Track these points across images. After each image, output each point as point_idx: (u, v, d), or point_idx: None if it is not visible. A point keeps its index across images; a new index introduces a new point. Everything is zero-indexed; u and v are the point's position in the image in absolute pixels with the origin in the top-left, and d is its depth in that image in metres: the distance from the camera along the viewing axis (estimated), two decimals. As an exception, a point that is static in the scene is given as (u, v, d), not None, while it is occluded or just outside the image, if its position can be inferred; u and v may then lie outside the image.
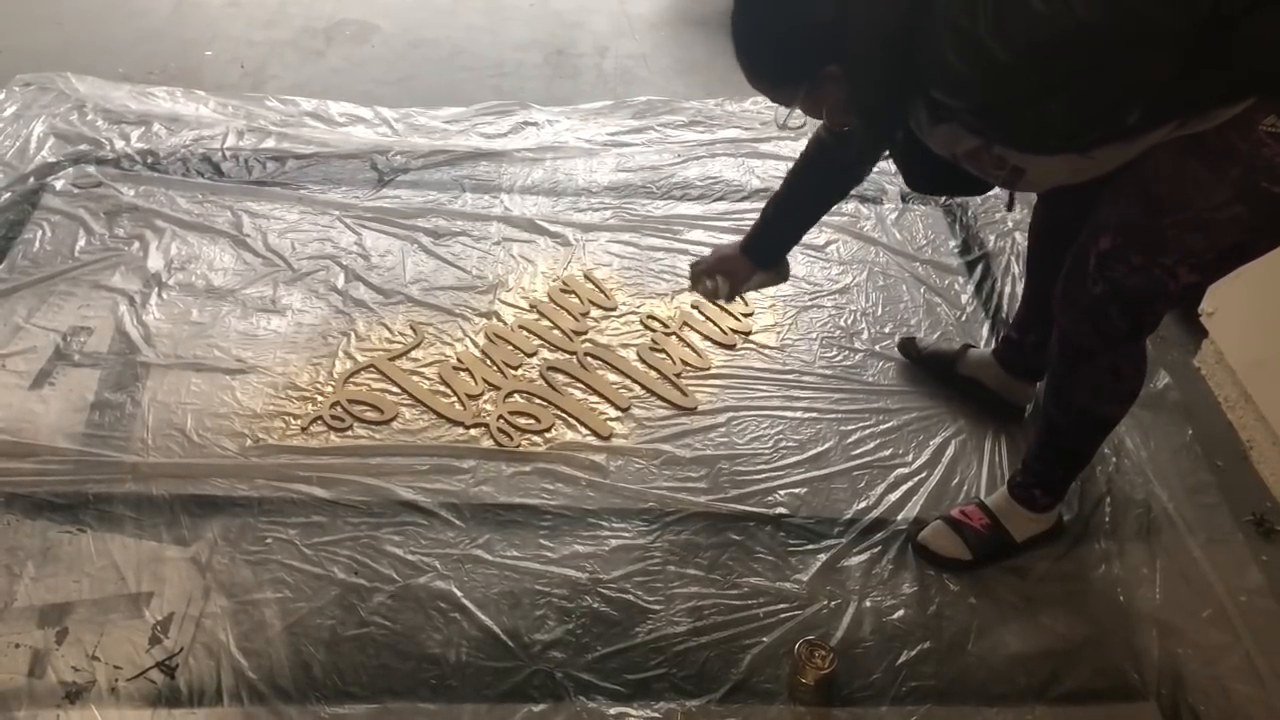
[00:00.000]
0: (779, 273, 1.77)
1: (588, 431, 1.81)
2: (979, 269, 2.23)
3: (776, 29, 1.23)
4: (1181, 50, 1.10)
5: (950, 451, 1.80)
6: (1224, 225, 1.22)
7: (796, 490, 1.72)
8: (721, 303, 1.83)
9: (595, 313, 2.07)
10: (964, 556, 1.60)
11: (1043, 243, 1.67)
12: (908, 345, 1.98)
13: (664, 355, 1.97)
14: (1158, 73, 1.12)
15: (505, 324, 2.03)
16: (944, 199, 2.42)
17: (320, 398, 1.82)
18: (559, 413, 1.84)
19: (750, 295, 2.12)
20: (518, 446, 1.77)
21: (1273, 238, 1.29)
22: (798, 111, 1.30)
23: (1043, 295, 1.62)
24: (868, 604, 1.54)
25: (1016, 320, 1.82)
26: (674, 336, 2.02)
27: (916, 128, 1.29)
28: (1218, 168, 1.20)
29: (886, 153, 1.48)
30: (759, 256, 1.72)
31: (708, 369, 1.95)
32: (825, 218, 2.31)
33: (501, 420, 1.81)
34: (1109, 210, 1.31)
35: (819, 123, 1.54)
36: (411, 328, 1.99)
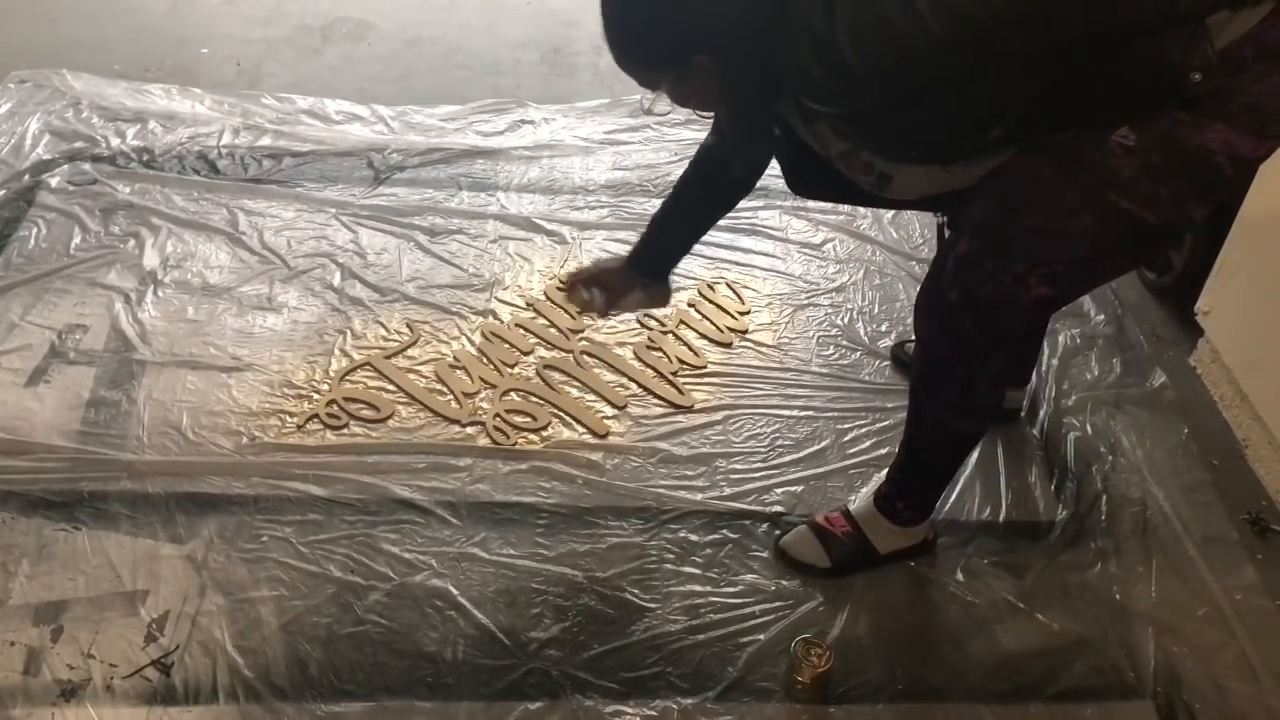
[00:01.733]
0: (660, 294, 1.71)
1: (584, 430, 1.80)
2: (975, 268, 2.23)
3: (646, 12, 1.19)
4: (1047, 75, 1.09)
5: (946, 450, 1.80)
6: (1074, 236, 1.19)
7: (793, 488, 1.72)
8: (596, 317, 1.75)
9: (592, 311, 2.07)
10: (822, 564, 1.56)
11: None
12: (899, 351, 1.98)
13: (661, 354, 1.97)
14: (1021, 95, 1.10)
15: (502, 322, 2.02)
16: (832, 205, 2.33)
17: (316, 396, 1.82)
18: (556, 411, 1.83)
19: (747, 294, 2.12)
20: (514, 444, 1.77)
21: (1123, 256, 1.25)
22: (664, 97, 1.26)
23: None
24: (864, 602, 1.54)
25: None
26: (671, 335, 2.01)
27: (795, 126, 1.27)
28: (1068, 172, 1.17)
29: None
30: (646, 268, 1.66)
31: (704, 367, 1.95)
32: (821, 216, 2.36)
33: (498, 418, 1.80)
34: (970, 213, 1.27)
35: (707, 131, 1.52)
36: (408, 326, 1.99)
